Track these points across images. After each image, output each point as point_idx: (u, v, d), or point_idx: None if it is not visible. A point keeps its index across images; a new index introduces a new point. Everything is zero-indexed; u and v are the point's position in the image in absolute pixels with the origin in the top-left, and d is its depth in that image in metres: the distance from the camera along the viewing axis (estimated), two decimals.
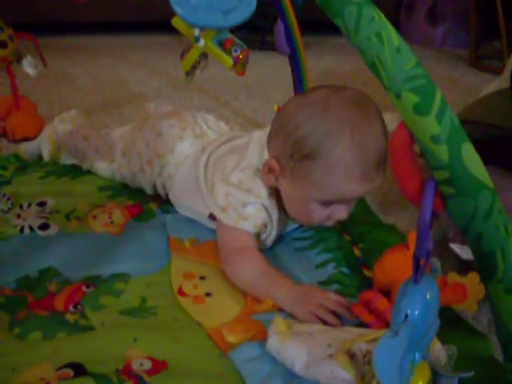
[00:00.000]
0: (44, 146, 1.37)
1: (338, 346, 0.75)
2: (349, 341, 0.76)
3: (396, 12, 2.85)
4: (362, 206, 1.21)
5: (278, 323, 0.82)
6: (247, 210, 1.00)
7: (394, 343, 0.57)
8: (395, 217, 1.25)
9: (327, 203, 0.97)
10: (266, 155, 1.02)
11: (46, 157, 1.37)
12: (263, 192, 1.00)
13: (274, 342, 0.79)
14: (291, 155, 0.95)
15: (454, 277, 0.86)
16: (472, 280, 0.82)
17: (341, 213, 0.99)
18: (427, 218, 0.58)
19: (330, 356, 0.74)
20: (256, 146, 1.05)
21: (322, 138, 0.91)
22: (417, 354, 0.63)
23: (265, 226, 1.01)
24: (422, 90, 0.58)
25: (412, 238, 0.88)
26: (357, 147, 0.90)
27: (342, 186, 0.93)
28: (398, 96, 0.58)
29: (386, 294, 0.86)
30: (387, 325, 0.81)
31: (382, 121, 0.94)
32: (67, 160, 1.36)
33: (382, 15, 0.60)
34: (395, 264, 0.87)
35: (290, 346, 0.78)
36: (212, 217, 1.05)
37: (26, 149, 1.39)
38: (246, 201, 1.00)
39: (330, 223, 1.02)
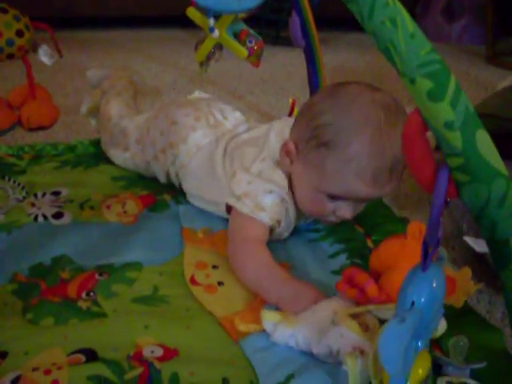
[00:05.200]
0: (87, 100, 1.40)
1: (340, 315, 0.77)
2: (350, 308, 0.78)
3: (412, 8, 2.83)
4: None
5: (269, 315, 0.83)
6: (266, 200, 0.98)
7: (401, 330, 0.57)
8: (408, 210, 1.24)
9: (333, 197, 0.96)
10: None
11: (84, 109, 1.40)
12: (284, 183, 1.00)
13: (283, 329, 0.80)
14: (308, 140, 0.95)
15: (446, 270, 0.85)
16: (463, 275, 0.81)
17: (345, 211, 0.97)
18: (440, 206, 0.57)
19: (342, 336, 0.75)
20: (276, 137, 1.04)
21: (341, 130, 0.90)
22: (420, 343, 0.62)
23: (279, 222, 1.00)
24: (437, 76, 0.57)
25: (412, 229, 0.88)
26: (374, 149, 0.89)
27: (351, 184, 0.92)
28: (412, 81, 0.58)
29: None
30: (368, 299, 0.81)
31: None
32: (96, 125, 1.40)
33: (397, 1, 0.60)
34: (390, 251, 0.87)
35: (301, 327, 0.79)
36: (229, 209, 1.04)
37: (93, 75, 1.43)
38: (268, 188, 0.99)
39: (332, 219, 1.00)
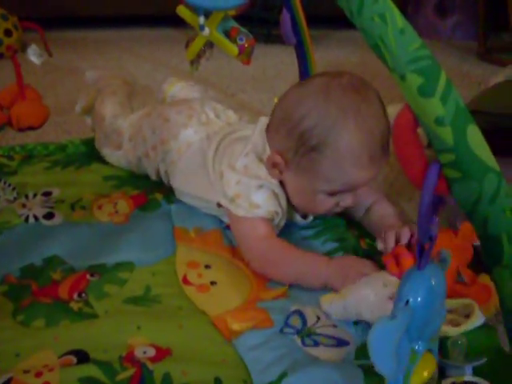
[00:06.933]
0: (81, 99, 1.40)
1: (392, 286, 0.79)
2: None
3: (404, 4, 2.83)
4: None
5: (326, 297, 0.86)
6: (258, 196, 0.98)
7: (391, 326, 0.56)
8: (401, 208, 1.23)
9: (334, 193, 0.97)
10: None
11: (78, 108, 1.40)
12: (271, 178, 1.00)
13: (337, 300, 0.82)
14: (296, 149, 0.95)
15: (484, 278, 0.87)
16: None
17: (347, 200, 0.99)
18: (429, 201, 0.57)
19: (391, 298, 0.76)
20: (260, 133, 1.03)
21: (327, 129, 0.91)
22: (420, 344, 0.62)
23: (276, 213, 1.00)
24: (427, 72, 0.57)
25: (465, 228, 0.90)
26: (362, 134, 0.90)
27: (351, 175, 0.93)
28: (403, 78, 0.58)
29: None
30: None
31: (381, 102, 0.94)
32: (91, 123, 1.39)
33: None
34: (437, 243, 0.88)
35: (352, 296, 0.81)
36: (221, 205, 1.04)
37: (91, 75, 1.43)
38: (257, 184, 0.99)
39: (337, 210, 1.02)
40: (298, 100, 0.95)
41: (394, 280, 0.81)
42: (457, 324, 0.79)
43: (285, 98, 0.99)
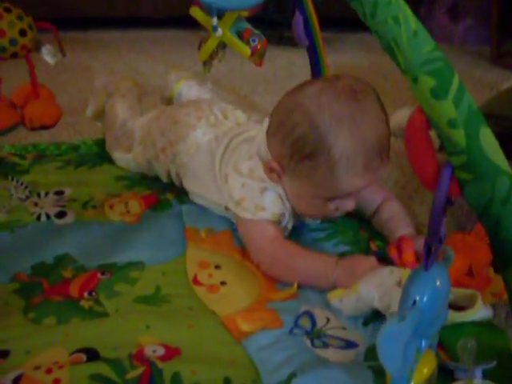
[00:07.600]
0: (92, 103, 1.40)
1: (397, 272, 0.82)
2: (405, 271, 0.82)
3: (417, 8, 2.82)
4: None
5: (335, 293, 0.87)
6: (264, 199, 0.99)
7: (400, 328, 0.57)
8: (412, 211, 1.23)
9: (332, 199, 0.96)
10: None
11: (89, 113, 1.40)
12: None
13: (349, 295, 0.84)
14: (291, 156, 0.94)
15: (490, 271, 0.89)
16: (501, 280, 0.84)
17: (347, 205, 0.98)
18: (442, 203, 0.57)
19: (398, 283, 0.79)
20: (264, 135, 1.02)
21: (320, 137, 0.90)
22: (423, 342, 0.62)
23: (282, 215, 1.00)
24: (439, 74, 0.57)
25: (478, 228, 0.91)
26: (356, 140, 0.89)
27: (346, 183, 0.92)
28: (415, 80, 0.58)
29: None
30: (403, 264, 0.90)
31: (380, 105, 0.92)
32: (102, 127, 1.39)
33: None
34: (451, 242, 0.91)
35: (363, 286, 0.83)
36: (228, 208, 1.04)
37: (100, 82, 1.43)
38: (262, 187, 0.99)
39: (337, 214, 1.01)
40: (292, 107, 0.94)
41: (398, 268, 0.85)
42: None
43: (280, 104, 0.98)
